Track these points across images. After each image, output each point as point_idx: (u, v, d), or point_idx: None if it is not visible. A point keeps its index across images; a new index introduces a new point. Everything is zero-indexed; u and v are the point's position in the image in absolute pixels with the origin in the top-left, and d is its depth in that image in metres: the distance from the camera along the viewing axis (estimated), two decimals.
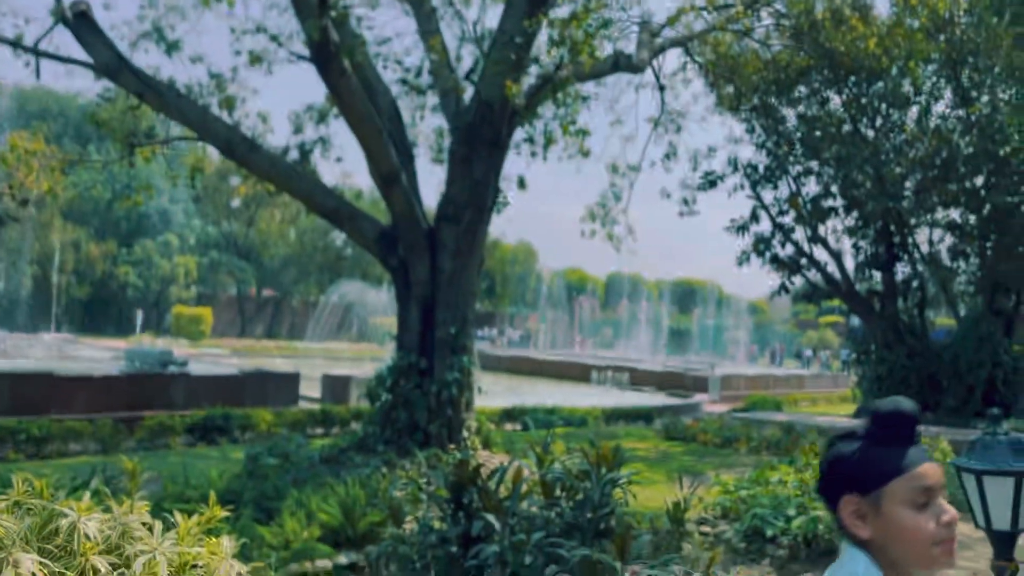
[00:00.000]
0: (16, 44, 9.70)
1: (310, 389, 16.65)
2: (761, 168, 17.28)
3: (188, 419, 12.09)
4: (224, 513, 2.67)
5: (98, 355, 22.77)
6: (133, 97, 10.07)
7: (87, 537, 2.24)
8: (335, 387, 16.60)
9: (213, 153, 21.54)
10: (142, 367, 15.53)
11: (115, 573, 2.27)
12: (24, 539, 2.14)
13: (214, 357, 25.37)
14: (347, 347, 34.36)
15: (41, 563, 2.12)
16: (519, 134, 10.77)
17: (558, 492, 5.22)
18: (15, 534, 2.12)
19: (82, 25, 9.51)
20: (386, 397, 10.04)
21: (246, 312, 47.04)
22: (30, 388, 12.61)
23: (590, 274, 62.38)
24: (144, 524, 2.46)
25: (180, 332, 35.79)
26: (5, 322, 32.40)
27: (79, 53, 9.78)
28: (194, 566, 2.49)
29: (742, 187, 17.42)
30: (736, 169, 17.24)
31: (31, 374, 13.81)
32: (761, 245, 17.39)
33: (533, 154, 11.01)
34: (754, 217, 17.38)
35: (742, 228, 17.48)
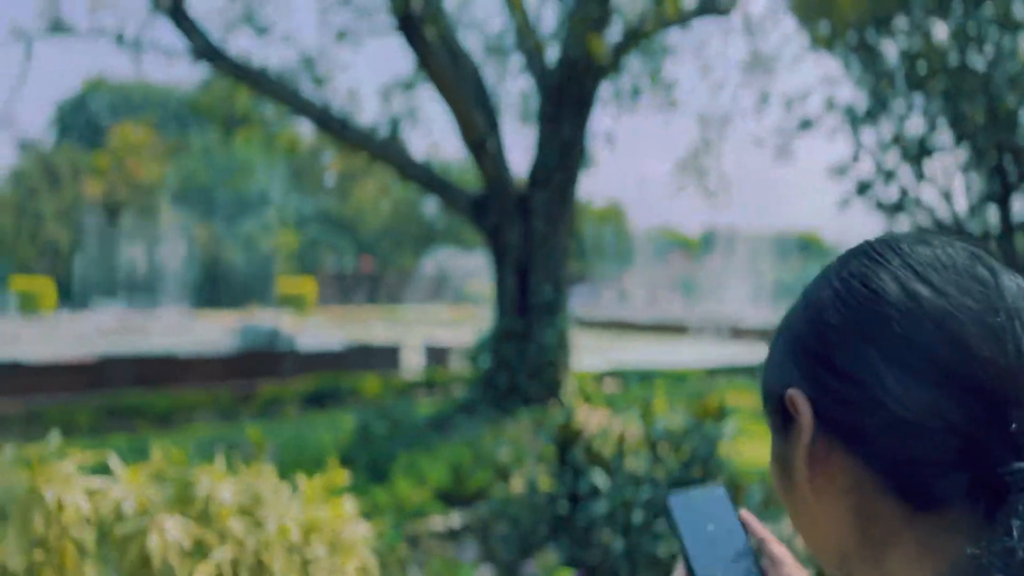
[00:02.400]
0: (120, 38, 10.14)
1: (412, 355, 17.08)
2: (860, 108, 16.52)
3: (299, 389, 12.61)
4: (345, 476, 2.80)
5: (210, 330, 23.89)
6: (229, 82, 10.40)
7: (223, 502, 2.40)
8: (436, 352, 16.99)
9: (306, 131, 22.06)
10: (253, 341, 16.25)
11: (250, 534, 2.42)
12: (166, 505, 2.31)
13: (319, 328, 26.26)
14: (445, 311, 34.97)
15: (184, 527, 2.28)
16: (606, 90, 10.62)
17: (662, 449, 5.22)
18: (158, 501, 2.28)
19: (179, 15, 9.85)
20: (487, 361, 10.21)
21: (346, 282, 48.41)
22: (153, 364, 13.39)
23: (683, 230, 61.34)
24: (272, 488, 2.61)
25: (285, 304, 37.14)
26: (126, 301, 34.33)
27: (176, 43, 10.14)
28: (321, 527, 2.63)
29: (840, 129, 16.72)
30: (833, 110, 16.54)
31: (153, 351, 14.65)
32: (863, 188, 16.70)
33: (621, 109, 10.85)
34: (855, 159, 16.68)
35: (842, 172, 16.83)
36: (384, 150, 10.73)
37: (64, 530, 2.14)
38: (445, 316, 32.49)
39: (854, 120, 16.29)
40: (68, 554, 2.14)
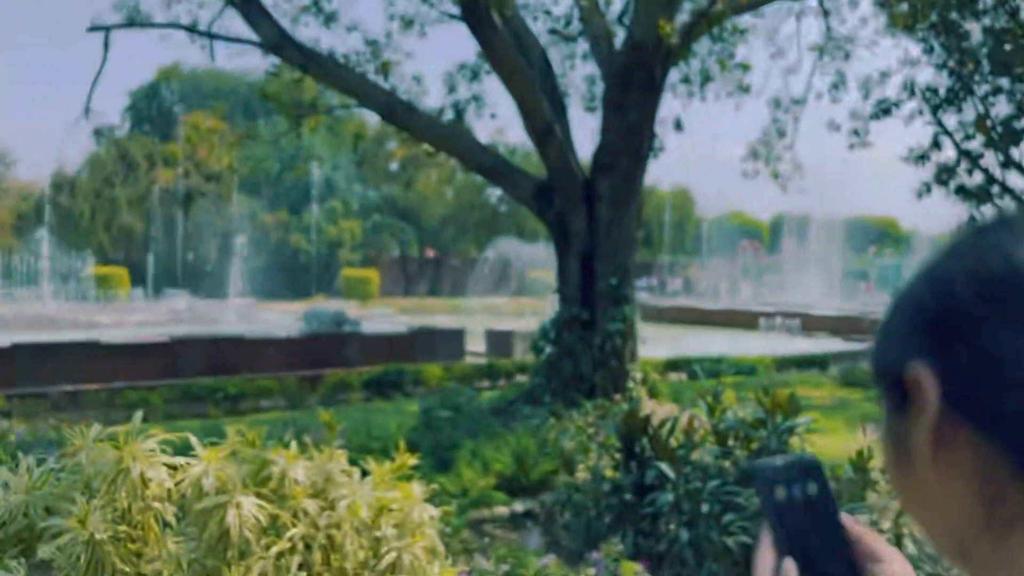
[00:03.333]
0: (192, 29, 10.38)
1: (475, 344, 17.15)
2: (942, 91, 15.86)
3: (364, 375, 12.78)
4: (413, 461, 2.82)
5: (277, 318, 24.41)
6: (297, 70, 10.56)
7: (296, 482, 2.43)
8: (499, 341, 17.00)
9: (371, 120, 22.34)
10: (319, 328, 16.52)
11: (322, 514, 2.45)
12: (243, 484, 2.35)
13: (382, 316, 26.59)
14: (507, 302, 35.05)
15: (260, 505, 2.32)
16: (674, 75, 10.46)
17: (731, 441, 5.13)
18: (235, 479, 2.32)
19: (248, 5, 10.03)
20: (550, 349, 10.19)
21: (409, 272, 48.90)
22: (223, 351, 13.72)
23: (753, 217, 60.14)
24: (343, 471, 2.64)
25: (350, 293, 37.71)
26: (195, 289, 35.30)
27: (246, 32, 10.34)
28: (390, 509, 2.64)
29: (920, 113, 16.07)
30: (913, 94, 15.92)
31: (224, 338, 15.02)
32: (944, 175, 16.05)
33: (690, 94, 10.67)
34: (935, 144, 16.04)
35: (922, 158, 16.19)
36: (448, 137, 10.78)
37: (148, 504, 2.19)
38: (507, 307, 32.57)
39: (935, 104, 15.70)
40: (151, 527, 2.20)
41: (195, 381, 11.96)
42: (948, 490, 0.57)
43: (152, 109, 47.80)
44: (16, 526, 2.26)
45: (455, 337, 16.34)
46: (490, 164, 10.80)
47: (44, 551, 2.16)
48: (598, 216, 10.07)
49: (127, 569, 2.21)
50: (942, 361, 0.57)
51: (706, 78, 10.05)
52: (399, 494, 2.63)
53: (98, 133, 41.87)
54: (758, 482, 0.71)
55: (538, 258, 33.07)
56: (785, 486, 0.70)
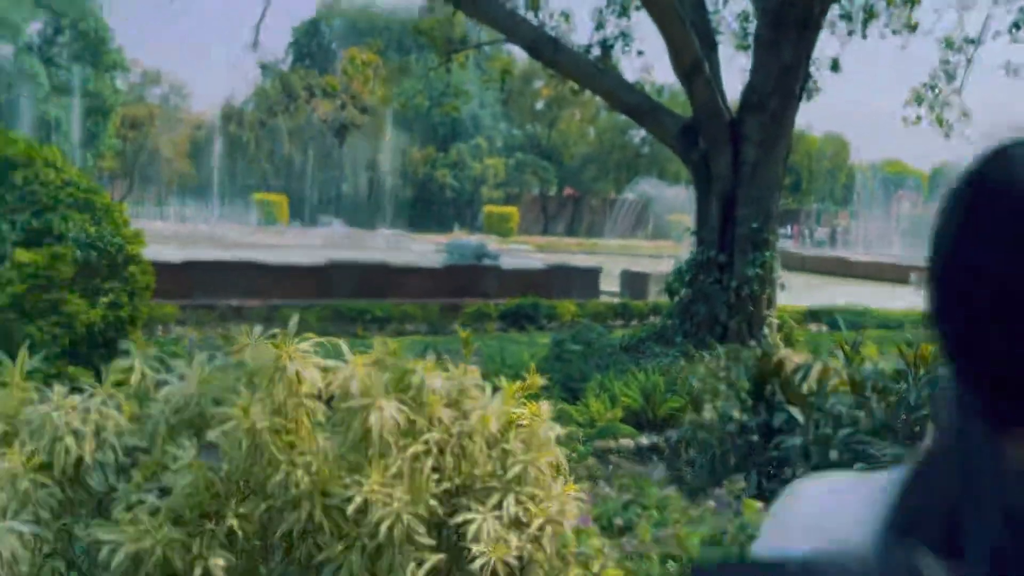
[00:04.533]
0: None
1: (609, 284, 17.20)
2: None
3: (501, 307, 13.15)
4: (542, 382, 2.95)
5: (422, 248, 25.22)
6: (449, 4, 10.71)
7: (433, 391, 2.62)
8: (633, 283, 17.01)
9: (519, 57, 22.36)
10: (461, 260, 17.01)
11: (455, 423, 2.64)
12: (385, 390, 2.55)
13: (520, 253, 26.96)
14: (644, 244, 34.69)
15: (399, 410, 2.53)
16: (834, 11, 9.89)
17: (868, 391, 5.00)
18: (379, 385, 2.53)
19: None
20: (685, 291, 10.10)
21: (548, 210, 49.10)
22: (372, 276, 14.45)
23: (912, 166, 56.32)
24: (476, 386, 2.81)
25: (490, 229, 38.37)
26: (347, 218, 36.91)
27: None
28: (519, 424, 2.80)
29: None
30: None
31: (373, 265, 15.76)
32: None
33: (850, 33, 10.07)
34: None
35: None
36: (593, 75, 10.68)
37: (300, 401, 2.44)
38: (645, 249, 32.24)
39: None
40: (303, 422, 2.44)
41: (345, 303, 12.70)
42: None
43: (312, 45, 49.60)
44: (189, 413, 2.56)
45: (590, 276, 16.46)
46: (635, 103, 10.65)
47: (212, 435, 2.45)
48: (743, 158, 9.79)
49: (281, 458, 2.47)
50: None
51: (870, 15, 9.44)
52: (527, 411, 2.78)
53: (263, 67, 43.92)
54: None
55: (678, 201, 32.43)
56: None
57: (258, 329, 2.50)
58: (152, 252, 6.39)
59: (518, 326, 12.85)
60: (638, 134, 44.78)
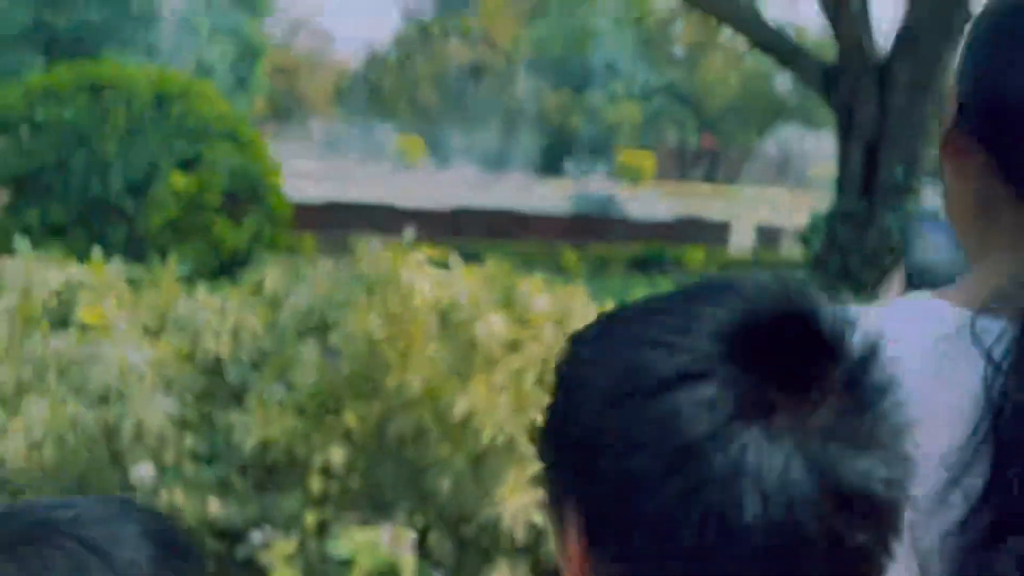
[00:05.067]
0: None
1: (744, 236, 16.78)
2: None
3: (627, 253, 13.14)
4: None
5: (552, 193, 25.29)
6: None
7: (538, 309, 2.72)
8: (767, 237, 16.58)
9: (658, 2, 21.77)
10: (589, 207, 17.05)
11: (559, 340, 2.73)
12: (493, 304, 2.67)
13: (653, 200, 26.59)
14: (782, 194, 33.40)
15: (505, 324, 2.64)
16: None
17: None
18: (487, 299, 2.65)
19: None
20: (819, 242, 9.74)
21: (685, 157, 47.96)
22: (501, 220, 14.78)
23: None
24: (583, 307, 2.89)
25: (624, 175, 37.93)
26: (482, 162, 37.37)
27: None
28: None
29: None
30: None
31: (502, 210, 16.07)
32: None
33: None
34: None
35: None
36: (734, 12, 10.30)
37: (413, 310, 2.59)
38: (783, 199, 31.05)
39: None
40: (415, 330, 2.60)
41: (472, 242, 13.02)
42: (958, 190, 0.72)
43: None
44: (314, 318, 2.77)
45: (720, 230, 16.20)
46: (777, 43, 10.21)
47: (333, 339, 2.65)
48: (890, 102, 9.24)
49: (395, 363, 2.64)
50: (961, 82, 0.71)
51: None
52: None
53: (403, 12, 44.69)
54: None
55: (819, 151, 30.94)
56: None
57: (376, 241, 2.66)
58: (294, 192, 6.76)
59: (644, 272, 12.80)
60: (782, 82, 42.82)
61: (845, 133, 9.77)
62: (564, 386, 0.51)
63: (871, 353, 0.48)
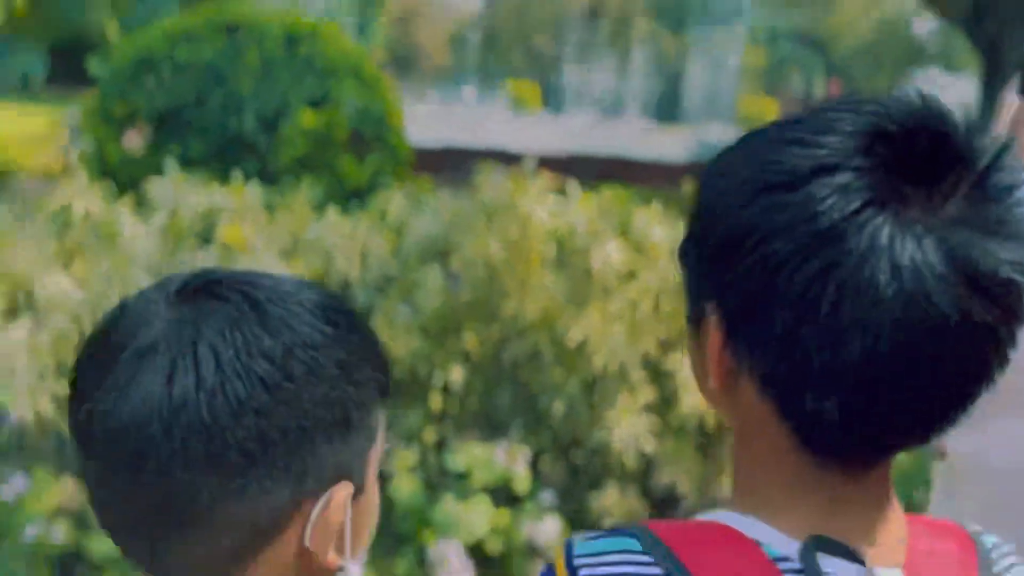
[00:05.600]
0: None
1: None
2: None
3: None
4: None
5: (669, 141, 24.73)
6: None
7: (655, 239, 2.73)
8: None
9: None
10: (706, 155, 16.62)
11: (675, 270, 2.74)
12: (610, 233, 2.70)
13: None
14: None
15: (622, 252, 2.67)
16: None
17: None
18: (605, 228, 2.68)
19: None
20: None
21: (811, 104, 45.84)
22: (611, 167, 14.64)
23: None
24: None
25: (745, 123, 36.63)
26: (598, 108, 36.84)
27: None
28: None
29: None
30: None
31: (615, 157, 15.87)
32: None
33: None
34: None
35: None
36: None
37: (531, 237, 2.65)
38: None
39: None
40: (532, 256, 2.66)
41: (586, 189, 12.99)
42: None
43: None
44: (436, 244, 2.87)
45: None
46: None
47: (454, 263, 2.74)
48: None
49: (512, 289, 2.72)
50: None
51: None
52: None
53: None
54: None
55: (961, 94, 28.92)
56: None
57: (498, 170, 2.72)
58: (411, 136, 6.90)
59: None
60: (922, 24, 40.07)
61: (990, 73, 9.13)
62: (708, 188, 0.56)
63: (1000, 155, 0.50)
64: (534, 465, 2.68)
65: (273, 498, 0.54)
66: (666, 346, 2.66)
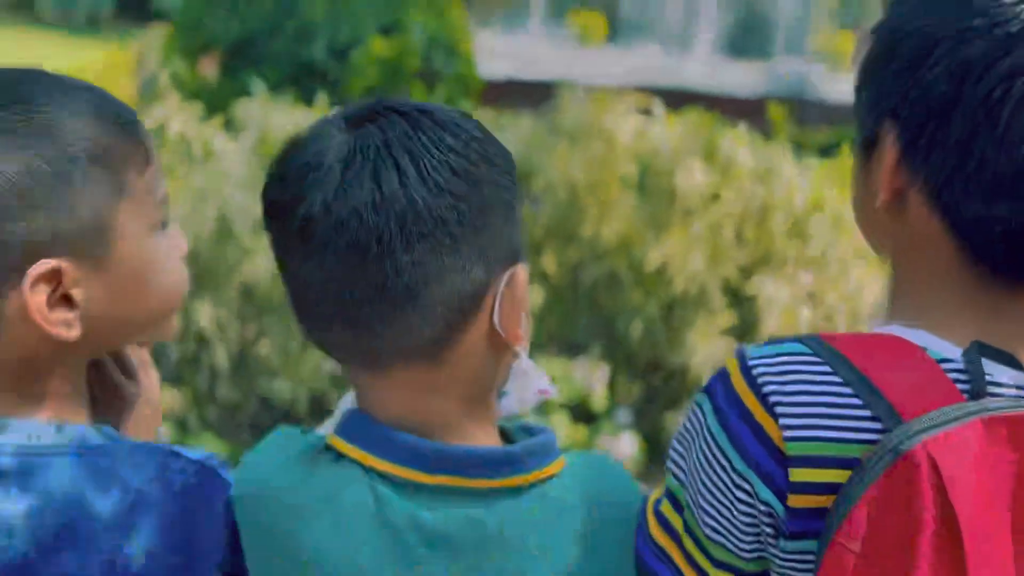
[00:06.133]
0: None
1: None
2: None
3: (818, 139, 12.45)
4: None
5: (740, 75, 24.03)
6: None
7: (741, 163, 2.68)
8: None
9: None
10: (777, 90, 16.11)
11: (759, 194, 2.69)
12: (695, 155, 2.66)
13: (848, 84, 24.71)
14: None
15: (706, 175, 2.63)
16: None
17: None
18: (689, 148, 2.65)
19: None
20: None
21: None
22: (679, 102, 14.28)
23: None
24: (786, 164, 2.82)
25: (820, 58, 35.31)
26: (667, 41, 35.86)
27: None
28: (825, 206, 2.79)
29: None
30: None
31: (680, 89, 15.50)
32: None
33: None
34: None
35: None
36: None
37: (614, 158, 2.63)
38: None
39: None
40: (614, 178, 2.64)
41: None
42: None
43: None
44: (517, 166, 2.87)
45: None
46: None
47: (536, 185, 2.74)
48: None
49: (592, 213, 2.71)
50: None
51: None
52: (836, 194, 2.75)
53: None
54: None
55: None
56: None
57: (580, 89, 2.70)
58: (479, 67, 6.81)
59: (831, 157, 12.14)
60: None
61: None
62: (901, 4, 0.58)
63: None
64: (611, 386, 2.71)
65: (472, 275, 0.61)
66: (747, 271, 2.64)
